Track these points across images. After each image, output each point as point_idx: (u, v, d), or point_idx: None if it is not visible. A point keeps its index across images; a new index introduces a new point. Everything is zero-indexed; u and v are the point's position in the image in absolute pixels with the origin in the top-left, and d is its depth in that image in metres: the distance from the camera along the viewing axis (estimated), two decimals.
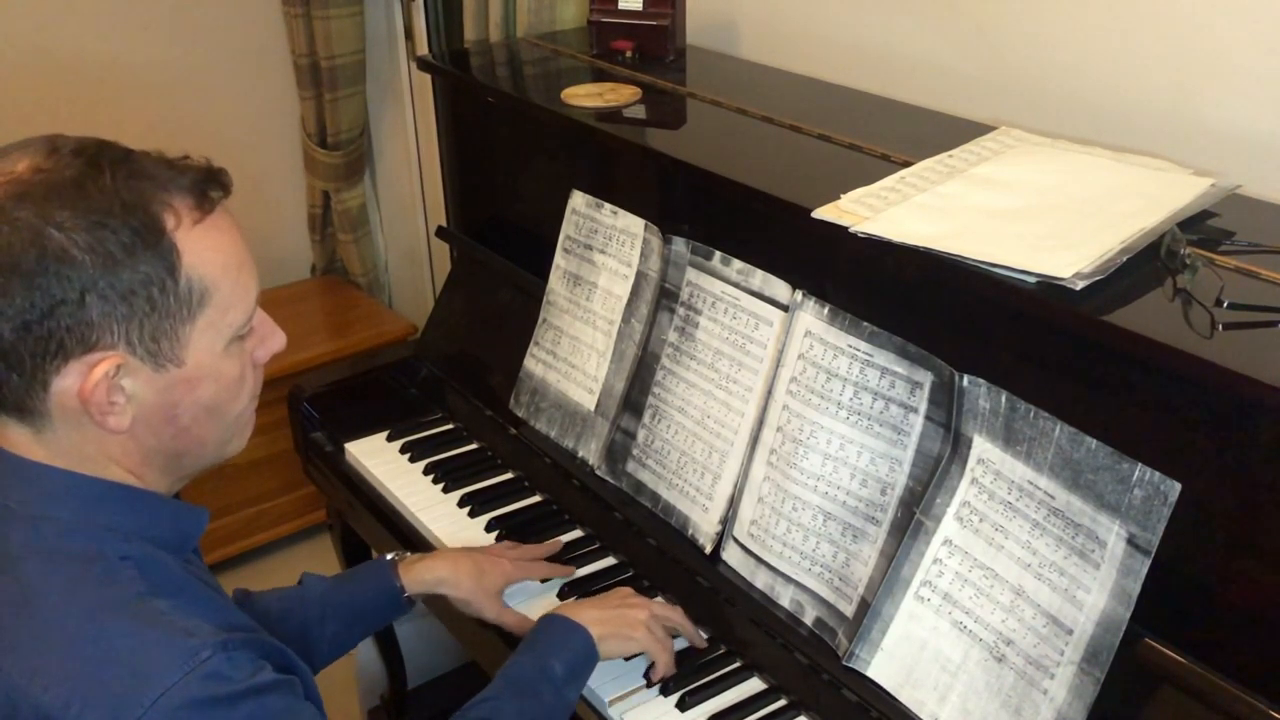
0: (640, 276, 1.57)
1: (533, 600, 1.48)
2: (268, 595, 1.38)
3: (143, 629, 0.90)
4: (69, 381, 0.93)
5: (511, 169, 1.96)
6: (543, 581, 1.51)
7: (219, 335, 0.99)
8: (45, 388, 0.93)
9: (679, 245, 1.51)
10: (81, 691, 0.87)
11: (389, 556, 1.44)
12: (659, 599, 1.44)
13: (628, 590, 1.40)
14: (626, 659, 1.36)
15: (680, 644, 1.41)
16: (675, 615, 1.39)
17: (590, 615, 1.30)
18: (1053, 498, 1.13)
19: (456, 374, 1.91)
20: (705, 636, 1.40)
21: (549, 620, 1.30)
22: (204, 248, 0.96)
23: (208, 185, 0.98)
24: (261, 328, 1.06)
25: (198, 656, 0.89)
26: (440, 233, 2.11)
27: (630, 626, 1.31)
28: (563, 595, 1.49)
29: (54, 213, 0.89)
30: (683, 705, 1.33)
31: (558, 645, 1.26)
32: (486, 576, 1.42)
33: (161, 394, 0.97)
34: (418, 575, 1.41)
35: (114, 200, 0.91)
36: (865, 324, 1.28)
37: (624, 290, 1.59)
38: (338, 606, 1.38)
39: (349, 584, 1.42)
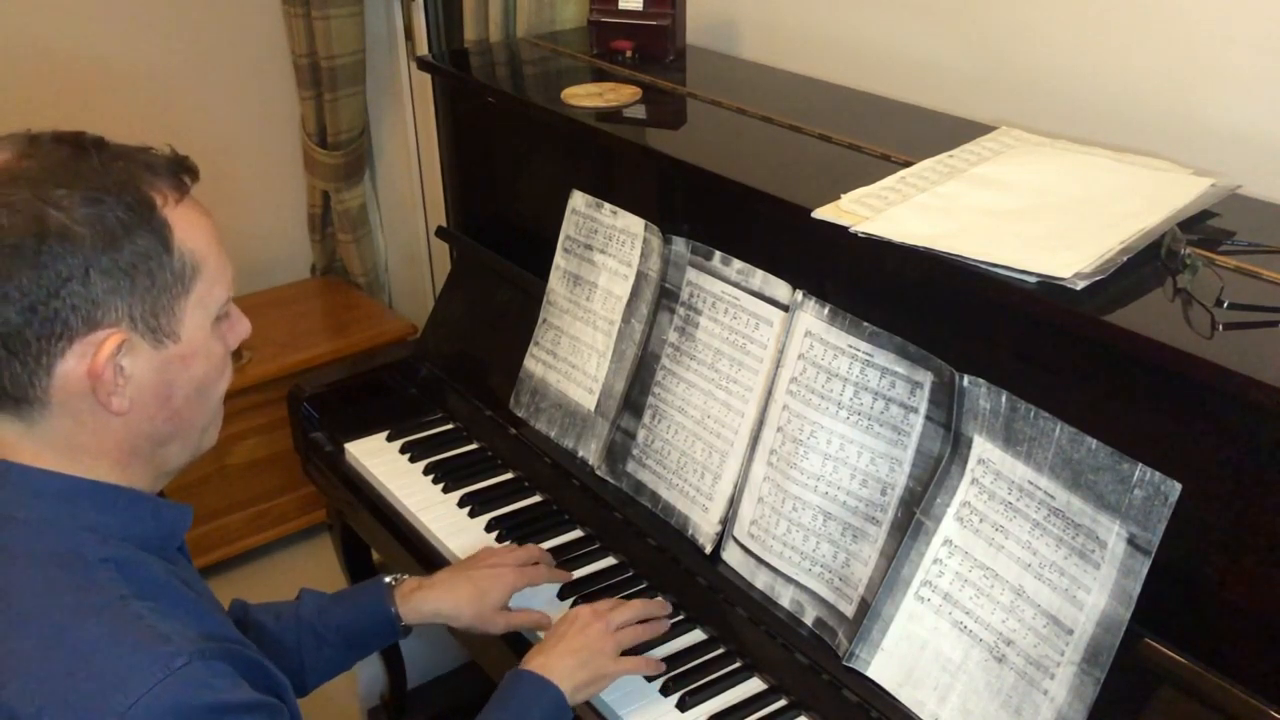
0: (640, 276, 1.57)
1: (534, 599, 1.48)
2: (264, 611, 1.36)
3: (119, 634, 0.89)
4: (72, 364, 0.93)
5: (511, 169, 1.96)
6: None
7: (207, 312, 1.01)
8: (49, 372, 0.93)
9: (679, 245, 1.51)
10: (53, 696, 0.86)
11: (387, 580, 1.41)
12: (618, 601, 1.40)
13: (587, 615, 1.33)
14: None
15: (678, 646, 1.41)
16: (634, 613, 1.36)
17: (561, 667, 1.25)
18: (1053, 498, 1.13)
19: (456, 374, 1.91)
20: (670, 607, 1.38)
21: (518, 677, 1.25)
22: (189, 225, 0.98)
23: (180, 171, 1.00)
24: (232, 313, 1.07)
25: (172, 664, 0.88)
26: (440, 233, 2.11)
27: (601, 666, 1.28)
28: (563, 595, 1.49)
29: (50, 192, 0.91)
30: (683, 705, 1.33)
31: (528, 705, 1.23)
32: (488, 596, 1.40)
33: (159, 372, 0.98)
34: (415, 605, 1.39)
35: (106, 179, 0.93)
36: (865, 324, 1.28)
37: (624, 290, 1.59)
38: (334, 629, 1.37)
39: (346, 606, 1.40)
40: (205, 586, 1.09)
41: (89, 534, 0.96)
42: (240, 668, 0.95)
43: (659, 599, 1.41)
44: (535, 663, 1.26)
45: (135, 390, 0.97)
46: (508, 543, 1.59)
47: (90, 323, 0.93)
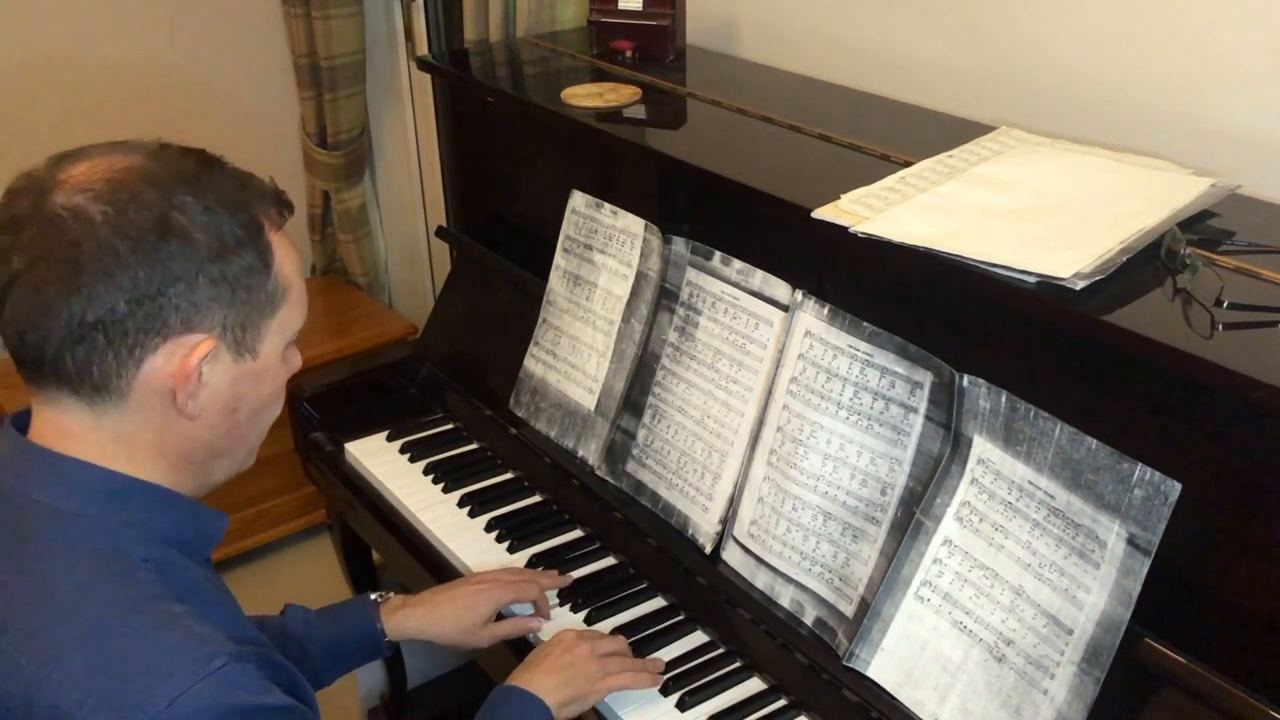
0: (640, 276, 1.57)
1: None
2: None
3: (159, 631, 0.91)
4: (160, 361, 0.96)
5: (511, 169, 1.96)
6: None
7: (284, 336, 1.05)
8: (138, 366, 0.95)
9: (679, 245, 1.51)
10: (95, 689, 0.88)
11: (373, 597, 1.43)
12: (603, 634, 1.39)
13: (571, 637, 1.33)
14: None
15: (678, 646, 1.41)
16: (621, 646, 1.36)
17: (547, 684, 1.26)
18: (1053, 498, 1.13)
19: (456, 374, 1.91)
20: (663, 662, 1.38)
21: (505, 693, 1.26)
22: (285, 252, 1.04)
23: (281, 204, 1.05)
24: (294, 345, 1.10)
25: (212, 664, 0.90)
26: (440, 233, 2.11)
27: (587, 684, 1.29)
28: (562, 595, 1.49)
29: (177, 197, 0.95)
30: (683, 705, 1.33)
31: (515, 719, 1.24)
32: (471, 613, 1.40)
33: (233, 384, 1.01)
34: (399, 623, 1.40)
35: (226, 194, 0.98)
36: (865, 324, 1.28)
37: (624, 290, 1.59)
38: (319, 643, 1.38)
39: (331, 621, 1.41)
40: (230, 592, 1.11)
41: (132, 532, 0.97)
42: (269, 672, 0.97)
43: (654, 657, 1.39)
44: (520, 679, 1.28)
45: (208, 398, 1.00)
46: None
47: (188, 325, 0.96)
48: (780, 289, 1.39)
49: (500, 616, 1.45)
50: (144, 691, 0.87)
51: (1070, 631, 1.11)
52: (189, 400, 0.98)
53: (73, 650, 0.89)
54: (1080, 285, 1.12)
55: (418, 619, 1.41)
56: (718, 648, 1.41)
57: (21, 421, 1.02)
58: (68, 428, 0.98)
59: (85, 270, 0.92)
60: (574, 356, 1.66)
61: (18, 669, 0.90)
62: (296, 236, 3.33)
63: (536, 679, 1.27)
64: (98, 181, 0.94)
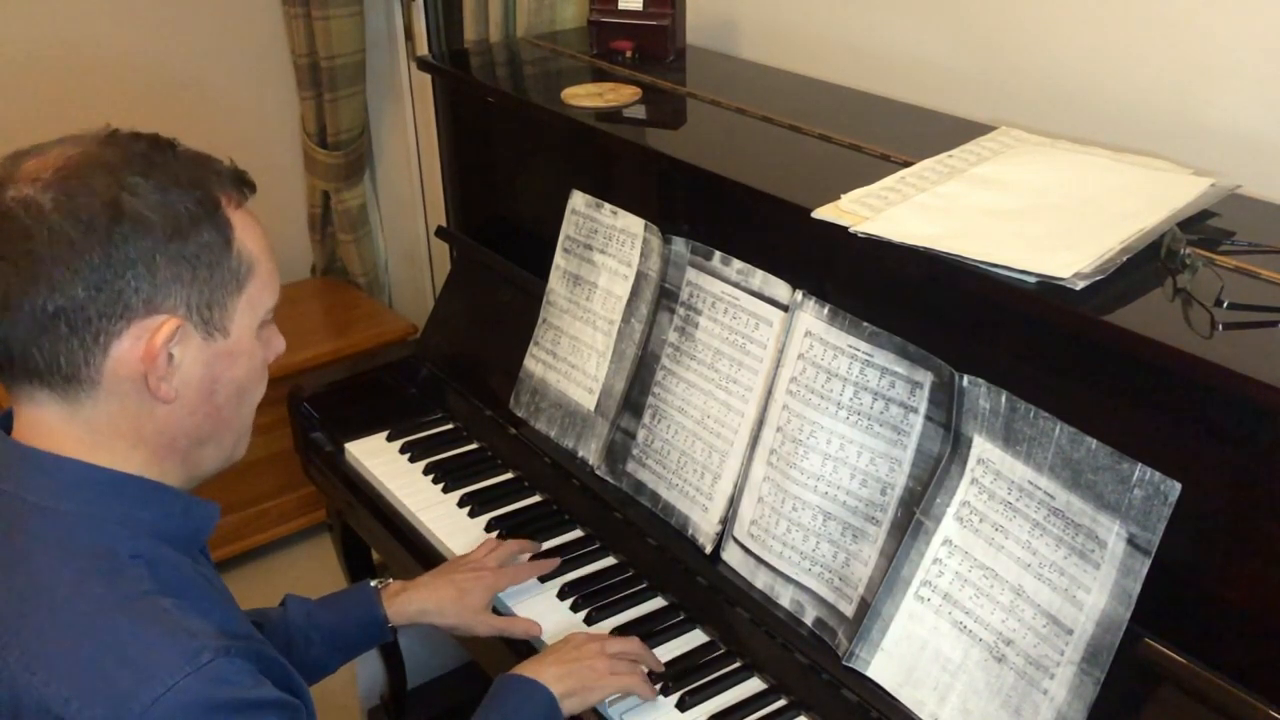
0: (640, 276, 1.57)
1: (533, 598, 1.48)
2: (249, 615, 1.36)
3: (147, 627, 0.91)
4: (127, 345, 0.95)
5: (511, 169, 1.96)
6: (542, 581, 1.52)
7: (255, 314, 1.04)
8: (105, 352, 0.95)
9: (679, 245, 1.51)
10: (83, 687, 0.88)
11: (372, 583, 1.44)
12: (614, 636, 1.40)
13: (581, 637, 1.35)
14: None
15: (678, 646, 1.41)
16: (632, 646, 1.36)
17: (551, 673, 1.26)
18: (1053, 498, 1.13)
19: (456, 374, 1.91)
20: (664, 662, 1.38)
21: (509, 681, 1.26)
22: (247, 228, 1.02)
23: (241, 183, 1.04)
24: (273, 327, 1.10)
25: (199, 659, 0.89)
26: (440, 233, 2.11)
27: (593, 678, 1.28)
28: (563, 595, 1.49)
29: (127, 179, 0.95)
30: (682, 705, 1.33)
31: (519, 708, 1.24)
32: (469, 596, 1.42)
33: (206, 366, 1.00)
34: (400, 607, 1.41)
35: (179, 174, 0.98)
36: (865, 324, 1.28)
37: (624, 290, 1.59)
38: (321, 631, 1.38)
39: (332, 609, 1.41)
40: (224, 585, 1.11)
41: (121, 528, 0.97)
42: (262, 666, 0.97)
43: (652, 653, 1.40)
44: (524, 668, 1.28)
45: (182, 381, 0.99)
46: (496, 532, 1.59)
47: (150, 307, 0.95)
48: (780, 289, 1.39)
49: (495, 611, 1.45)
50: (131, 687, 0.87)
51: (1070, 631, 1.11)
52: (161, 383, 0.97)
53: (60, 648, 0.89)
54: (1080, 285, 1.12)
55: (419, 601, 1.42)
56: (718, 648, 1.41)
57: (6, 422, 1.02)
58: (46, 422, 0.98)
59: (40, 259, 0.92)
60: (574, 356, 1.66)
61: (4, 667, 0.90)
62: (297, 237, 3.35)
63: (540, 669, 1.27)
64: (47, 171, 0.94)
